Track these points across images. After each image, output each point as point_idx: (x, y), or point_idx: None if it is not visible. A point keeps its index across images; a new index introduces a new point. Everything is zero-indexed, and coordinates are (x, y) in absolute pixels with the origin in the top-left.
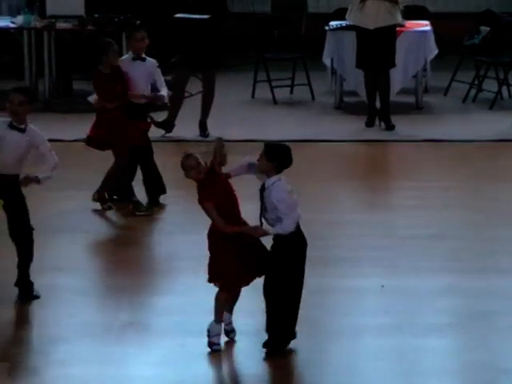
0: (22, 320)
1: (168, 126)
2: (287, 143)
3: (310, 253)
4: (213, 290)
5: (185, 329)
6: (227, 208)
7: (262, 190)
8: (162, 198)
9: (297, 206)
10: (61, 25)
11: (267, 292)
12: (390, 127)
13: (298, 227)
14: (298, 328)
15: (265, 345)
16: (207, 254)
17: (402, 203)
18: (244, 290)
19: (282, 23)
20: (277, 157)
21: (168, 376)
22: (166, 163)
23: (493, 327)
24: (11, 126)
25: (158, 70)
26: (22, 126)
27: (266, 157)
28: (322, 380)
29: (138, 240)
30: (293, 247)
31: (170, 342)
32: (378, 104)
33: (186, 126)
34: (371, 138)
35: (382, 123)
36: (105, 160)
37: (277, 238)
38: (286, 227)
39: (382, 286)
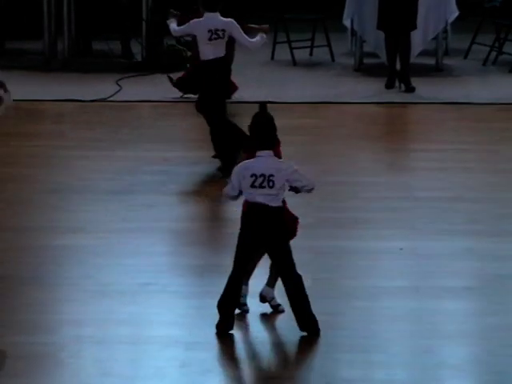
0: (37, 280)
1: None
2: (306, 105)
3: (329, 214)
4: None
5: (201, 290)
6: None
7: None
8: (181, 162)
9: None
10: None
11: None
12: (410, 89)
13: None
14: (312, 291)
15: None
16: (225, 217)
17: (421, 165)
18: None
19: None
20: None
21: (183, 337)
22: (184, 123)
23: (510, 290)
24: None
25: None
26: None
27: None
28: (338, 342)
29: (155, 201)
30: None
31: (186, 303)
32: (398, 66)
33: None
34: (391, 99)
35: (402, 85)
36: (123, 120)
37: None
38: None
39: (401, 249)
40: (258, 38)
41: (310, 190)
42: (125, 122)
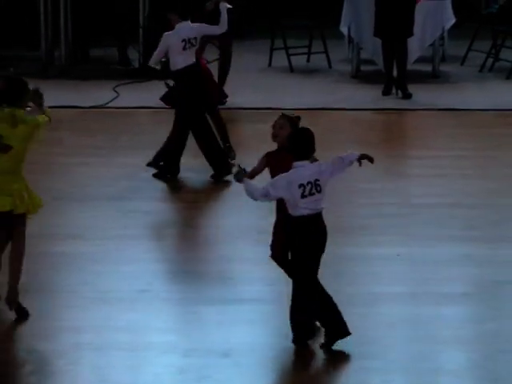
0: (36, 287)
1: None
2: (304, 111)
3: (325, 221)
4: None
5: (198, 297)
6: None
7: None
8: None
9: (292, 196)
10: None
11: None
12: (407, 96)
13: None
14: None
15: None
16: (221, 224)
17: (418, 172)
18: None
19: None
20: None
21: (181, 343)
22: None
23: (508, 297)
24: None
25: None
26: None
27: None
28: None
29: (153, 207)
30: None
31: (184, 310)
32: (394, 72)
33: None
34: (388, 106)
35: (399, 92)
36: (122, 126)
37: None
38: (254, 192)
39: (398, 255)
40: (220, 18)
41: (356, 160)
42: (123, 129)
